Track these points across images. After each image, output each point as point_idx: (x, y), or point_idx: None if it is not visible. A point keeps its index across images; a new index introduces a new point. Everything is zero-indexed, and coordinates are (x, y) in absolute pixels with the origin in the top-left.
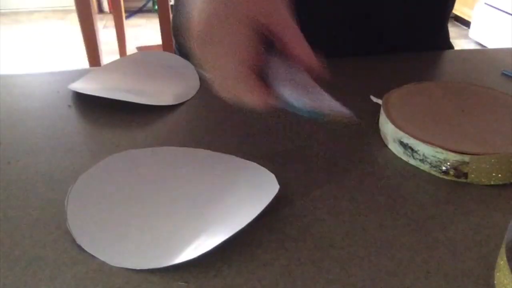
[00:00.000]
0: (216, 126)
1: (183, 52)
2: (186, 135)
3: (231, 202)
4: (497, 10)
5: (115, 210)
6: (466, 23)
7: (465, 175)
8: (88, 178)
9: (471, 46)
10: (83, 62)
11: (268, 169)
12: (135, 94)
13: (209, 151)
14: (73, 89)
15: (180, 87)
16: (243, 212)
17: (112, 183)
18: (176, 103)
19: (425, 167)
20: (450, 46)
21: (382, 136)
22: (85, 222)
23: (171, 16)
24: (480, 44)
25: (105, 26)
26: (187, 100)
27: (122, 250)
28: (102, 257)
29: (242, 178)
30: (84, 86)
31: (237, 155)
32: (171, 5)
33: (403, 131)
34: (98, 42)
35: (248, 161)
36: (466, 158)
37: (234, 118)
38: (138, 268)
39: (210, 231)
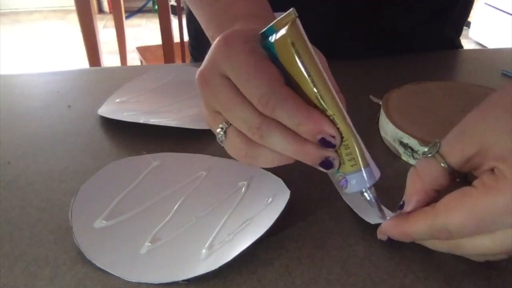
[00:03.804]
0: None
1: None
2: (183, 137)
3: (243, 210)
4: (497, 10)
5: (123, 223)
6: (466, 23)
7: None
8: (89, 189)
9: (471, 46)
10: (83, 62)
11: (268, 170)
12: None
13: (210, 156)
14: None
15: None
16: (257, 221)
17: (115, 193)
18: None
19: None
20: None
21: (382, 136)
22: (93, 236)
23: (171, 16)
24: (480, 44)
25: (105, 26)
26: None
27: (136, 264)
28: (116, 273)
29: (251, 185)
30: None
31: None
32: (171, 5)
33: (403, 131)
34: (98, 42)
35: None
36: None
37: None
38: (156, 283)
39: (226, 242)
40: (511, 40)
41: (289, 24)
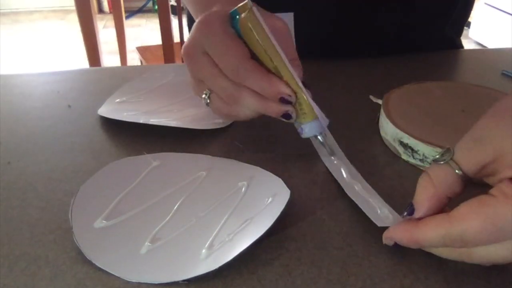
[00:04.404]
0: (214, 129)
1: None
2: (183, 137)
3: (243, 210)
4: (497, 10)
5: (123, 223)
6: (466, 23)
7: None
8: (89, 189)
9: (471, 46)
10: (83, 62)
11: (268, 170)
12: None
13: (210, 156)
14: (103, 115)
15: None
16: (257, 221)
17: (115, 193)
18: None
19: (425, 167)
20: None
21: (382, 136)
22: (93, 236)
23: (171, 16)
24: (480, 44)
25: (105, 26)
26: None
27: (136, 264)
28: (116, 272)
29: (251, 185)
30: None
31: (237, 158)
32: (171, 5)
33: (403, 131)
34: (98, 42)
35: (252, 165)
36: None
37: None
38: (156, 283)
39: (226, 242)
40: (511, 40)
41: (247, 10)
